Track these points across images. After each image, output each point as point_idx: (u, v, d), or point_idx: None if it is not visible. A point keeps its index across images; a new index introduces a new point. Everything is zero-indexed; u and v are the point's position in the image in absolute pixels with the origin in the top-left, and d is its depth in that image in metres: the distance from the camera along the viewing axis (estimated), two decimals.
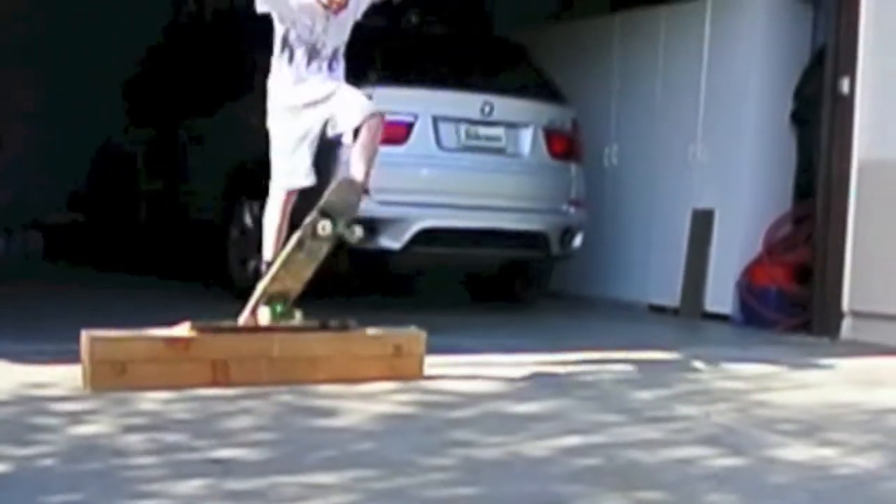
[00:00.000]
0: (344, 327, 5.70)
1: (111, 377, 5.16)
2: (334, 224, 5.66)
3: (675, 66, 9.73)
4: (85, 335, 5.21)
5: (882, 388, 6.35)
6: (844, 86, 8.31)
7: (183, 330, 5.38)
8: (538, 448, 4.55)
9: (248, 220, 8.88)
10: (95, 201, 12.46)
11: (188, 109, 10.13)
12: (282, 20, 5.73)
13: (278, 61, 5.80)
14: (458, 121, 8.25)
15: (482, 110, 8.36)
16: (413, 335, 5.77)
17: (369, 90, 7.93)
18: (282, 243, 5.81)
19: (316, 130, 5.87)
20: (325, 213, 5.66)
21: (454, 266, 9.23)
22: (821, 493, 4.16)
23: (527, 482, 4.09)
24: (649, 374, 6.38)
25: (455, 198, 8.19)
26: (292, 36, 5.74)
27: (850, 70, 8.26)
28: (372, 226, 8.12)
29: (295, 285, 5.75)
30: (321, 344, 5.59)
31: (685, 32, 9.65)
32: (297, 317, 5.71)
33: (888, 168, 8.04)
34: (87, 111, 12.23)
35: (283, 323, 5.67)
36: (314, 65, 5.79)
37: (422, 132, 8.16)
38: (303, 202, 5.88)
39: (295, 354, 5.49)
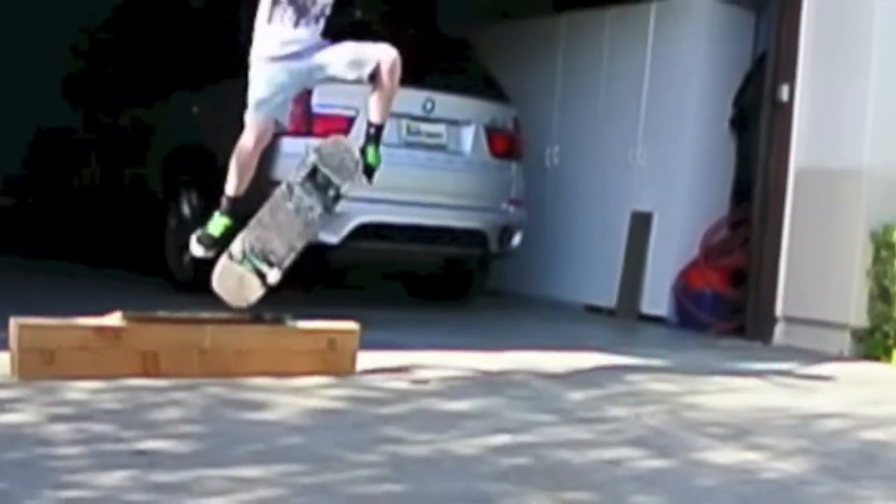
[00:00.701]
0: (277, 320, 5.67)
1: (39, 365, 5.09)
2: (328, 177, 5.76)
3: (619, 68, 9.77)
4: (13, 322, 5.15)
5: (811, 394, 6.41)
6: (784, 93, 8.39)
7: (114, 319, 5.33)
8: (467, 446, 4.55)
9: (186, 209, 8.82)
10: (32, 186, 12.30)
11: (129, 96, 10.03)
12: None
13: (266, 16, 5.73)
14: (399, 116, 8.21)
15: (424, 107, 8.35)
16: (347, 330, 5.75)
17: None
18: (246, 184, 5.79)
19: (299, 82, 5.88)
20: (318, 164, 5.74)
21: (392, 262, 9.21)
22: (746, 497, 4.20)
23: (454, 480, 4.09)
24: (582, 374, 6.40)
25: (394, 193, 8.15)
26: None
27: (790, 78, 8.34)
28: None
29: (280, 247, 5.74)
30: (253, 337, 5.55)
31: (629, 35, 9.70)
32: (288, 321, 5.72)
33: (824, 176, 8.12)
34: (24, 94, 12.06)
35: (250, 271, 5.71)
36: (302, 23, 5.73)
37: (363, 127, 8.09)
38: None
39: (226, 347, 5.45)
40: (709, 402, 5.88)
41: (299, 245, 5.81)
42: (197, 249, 5.88)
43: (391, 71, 5.73)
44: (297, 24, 5.69)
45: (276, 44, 5.71)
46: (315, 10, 5.75)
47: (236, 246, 5.76)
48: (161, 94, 9.49)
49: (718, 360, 7.30)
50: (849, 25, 8.10)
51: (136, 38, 10.47)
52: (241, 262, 5.72)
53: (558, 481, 4.19)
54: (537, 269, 9.99)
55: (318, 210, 5.81)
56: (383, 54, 5.73)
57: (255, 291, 5.72)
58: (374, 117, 5.89)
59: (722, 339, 8.52)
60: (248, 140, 5.78)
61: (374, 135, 5.91)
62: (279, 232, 5.75)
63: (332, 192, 5.82)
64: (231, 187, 5.81)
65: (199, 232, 5.87)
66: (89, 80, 10.99)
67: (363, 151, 5.88)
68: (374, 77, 5.74)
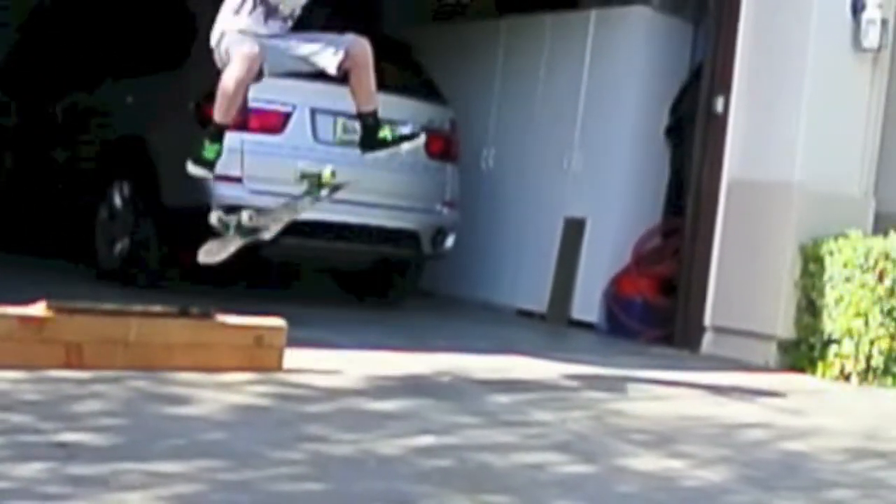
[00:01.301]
0: (204, 315, 5.63)
1: None
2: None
3: (557, 74, 9.81)
4: None
5: (735, 404, 6.46)
6: (719, 105, 8.46)
7: (38, 309, 5.26)
8: (390, 447, 4.54)
9: (117, 200, 8.74)
10: None
11: (64, 83, 9.92)
12: None
13: (234, 6, 5.72)
14: (335, 114, 8.18)
15: None
16: (274, 327, 5.72)
17: None
18: (233, 115, 5.81)
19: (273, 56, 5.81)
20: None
21: (325, 260, 9.18)
22: None
23: (375, 480, 4.07)
24: (510, 378, 6.41)
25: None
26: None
27: (725, 90, 8.41)
28: None
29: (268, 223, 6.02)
30: (180, 330, 5.51)
31: (569, 42, 9.73)
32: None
33: (756, 188, 8.20)
34: None
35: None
36: (271, 22, 5.75)
37: (299, 123, 8.10)
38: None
39: (152, 340, 5.40)
40: (634, 409, 5.91)
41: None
42: (195, 170, 5.87)
43: (364, 56, 5.78)
44: (265, 22, 5.72)
45: (243, 27, 5.73)
46: (285, 12, 5.77)
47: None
48: (96, 84, 9.39)
49: (646, 368, 7.34)
50: (784, 40, 8.19)
51: (72, 27, 10.35)
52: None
53: (479, 484, 4.19)
54: (470, 272, 10.01)
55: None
56: (354, 43, 5.79)
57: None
58: (365, 106, 5.95)
59: (651, 346, 8.58)
60: (233, 70, 5.66)
61: (374, 122, 5.97)
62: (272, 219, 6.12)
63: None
64: (219, 115, 5.77)
65: (193, 156, 5.86)
66: (24, 68, 10.84)
67: (372, 141, 5.99)
68: (345, 72, 5.80)
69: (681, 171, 9.13)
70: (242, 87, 5.71)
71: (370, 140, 5.98)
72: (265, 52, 5.64)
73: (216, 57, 5.81)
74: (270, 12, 5.72)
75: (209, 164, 5.83)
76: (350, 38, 5.81)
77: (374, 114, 5.96)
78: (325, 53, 5.77)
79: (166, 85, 8.67)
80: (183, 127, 8.32)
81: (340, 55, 5.73)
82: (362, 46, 5.81)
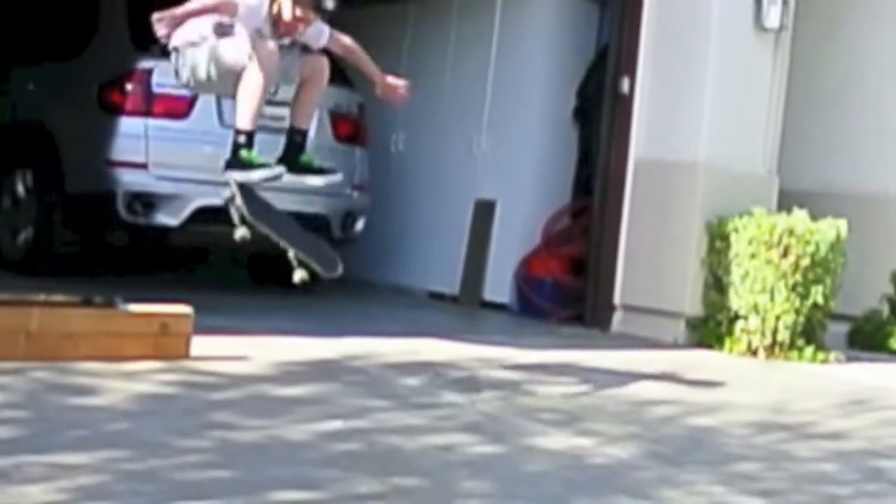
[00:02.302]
0: (108, 304, 5.56)
1: None
2: None
3: (465, 56, 9.81)
4: None
5: (644, 381, 6.51)
6: (624, 86, 8.51)
7: None
8: (299, 432, 4.52)
9: (20, 189, 8.59)
10: None
11: None
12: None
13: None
14: None
15: None
16: (180, 314, 5.65)
17: (152, 63, 7.82)
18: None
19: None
20: None
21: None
22: (574, 482, 4.25)
23: (283, 466, 4.05)
24: (420, 361, 6.40)
25: None
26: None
27: (631, 70, 8.46)
28: (150, 201, 7.98)
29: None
30: (83, 320, 5.43)
31: (475, 24, 9.73)
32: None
33: (662, 168, 8.27)
34: None
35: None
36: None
37: (204, 108, 7.99)
38: None
39: (55, 330, 5.31)
40: (544, 389, 5.95)
41: None
42: (239, 175, 5.67)
43: (322, 75, 5.73)
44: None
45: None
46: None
47: None
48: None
49: (556, 348, 7.38)
50: (689, 20, 8.26)
51: None
52: None
53: (388, 467, 4.19)
54: (381, 256, 9.98)
55: None
56: (318, 59, 5.71)
57: None
58: (303, 124, 5.84)
59: (561, 326, 8.62)
60: (257, 71, 5.44)
61: (302, 143, 5.84)
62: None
63: None
64: (246, 122, 5.57)
65: (232, 163, 5.67)
66: None
67: (292, 160, 5.78)
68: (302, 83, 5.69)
69: (589, 152, 9.18)
70: (268, 87, 5.54)
71: (293, 160, 5.78)
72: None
73: (178, 62, 5.64)
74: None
75: (253, 165, 5.61)
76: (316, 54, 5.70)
77: (305, 134, 5.85)
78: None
79: (69, 71, 8.54)
80: (86, 113, 8.23)
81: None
82: (323, 65, 5.71)
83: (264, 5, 5.51)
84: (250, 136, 5.56)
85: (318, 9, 5.61)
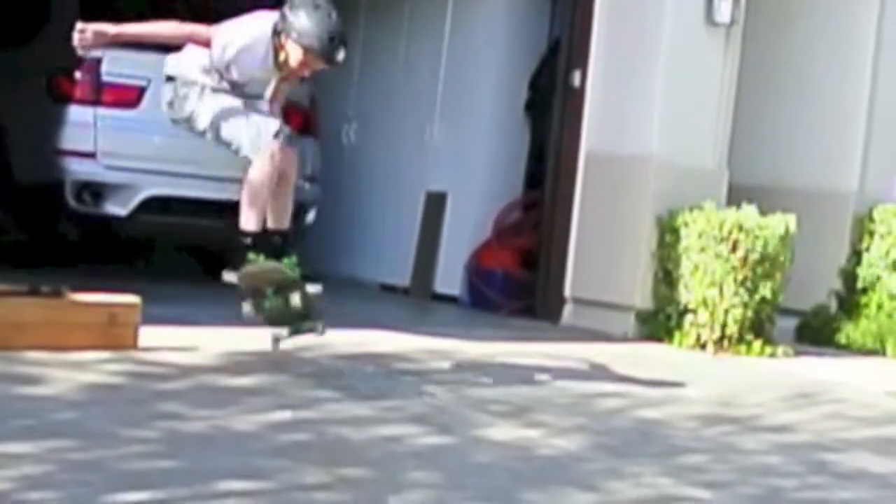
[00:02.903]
0: (55, 293, 5.51)
1: None
2: None
3: (417, 47, 9.80)
4: None
5: (593, 373, 6.54)
6: (576, 79, 8.53)
7: None
8: (246, 422, 4.50)
9: None
10: None
11: None
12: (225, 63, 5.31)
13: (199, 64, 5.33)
14: None
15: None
16: (129, 304, 5.62)
17: (100, 52, 7.75)
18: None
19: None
20: None
21: (183, 237, 9.03)
22: (520, 473, 4.27)
23: (229, 456, 4.04)
24: (371, 352, 6.40)
25: (186, 166, 8.01)
26: (227, 75, 5.34)
27: (583, 63, 8.48)
28: (98, 190, 7.93)
29: None
30: (30, 310, 5.38)
31: (429, 15, 9.72)
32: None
33: (613, 161, 8.29)
34: None
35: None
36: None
37: (153, 98, 7.90)
38: None
39: (2, 319, 5.27)
40: (492, 381, 5.95)
41: None
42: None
43: (293, 168, 5.51)
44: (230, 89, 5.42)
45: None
46: (247, 90, 5.47)
47: None
48: None
49: (507, 340, 7.40)
50: (639, 14, 8.28)
51: None
52: None
53: (335, 458, 4.19)
54: (332, 247, 9.95)
55: None
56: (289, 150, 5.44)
57: None
58: (280, 224, 5.56)
59: (512, 319, 8.63)
60: (262, 169, 5.27)
61: (282, 244, 5.55)
62: None
63: None
64: (252, 222, 5.33)
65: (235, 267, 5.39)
66: None
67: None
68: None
69: (541, 145, 9.20)
70: (271, 186, 5.33)
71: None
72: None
73: (171, 93, 5.44)
74: (235, 87, 5.41)
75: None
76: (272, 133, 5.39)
77: (286, 235, 5.54)
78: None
79: (18, 59, 8.45)
80: (35, 101, 8.16)
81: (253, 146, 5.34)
82: (294, 159, 5.48)
83: (267, 49, 5.31)
84: (256, 238, 5.32)
85: (330, 61, 5.41)
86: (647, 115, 8.17)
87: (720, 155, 8.51)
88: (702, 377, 6.91)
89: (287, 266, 5.39)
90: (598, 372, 6.63)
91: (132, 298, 5.65)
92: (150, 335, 5.69)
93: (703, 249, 7.74)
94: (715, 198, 8.09)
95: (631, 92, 8.26)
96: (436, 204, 9.47)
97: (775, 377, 7.05)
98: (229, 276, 5.35)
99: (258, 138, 5.26)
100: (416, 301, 9.39)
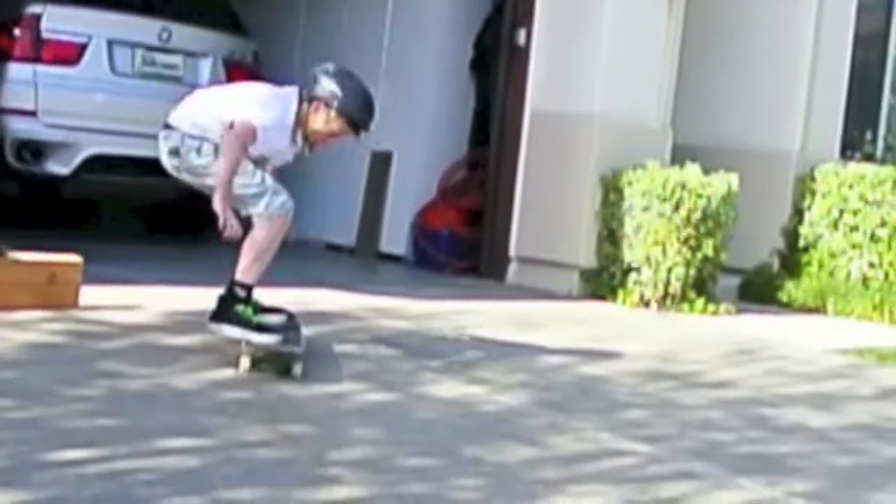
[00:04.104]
0: None
1: None
2: None
3: (362, 6, 9.73)
4: None
5: (535, 330, 6.57)
6: (521, 37, 8.52)
7: None
8: (188, 381, 4.49)
9: None
10: None
11: None
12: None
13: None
14: (133, 46, 7.98)
15: (160, 36, 8.11)
16: (69, 263, 5.57)
17: (41, 7, 7.66)
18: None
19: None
20: None
21: (127, 196, 8.96)
22: (463, 429, 4.29)
23: (170, 413, 4.03)
24: (313, 311, 6.37)
25: (129, 125, 7.91)
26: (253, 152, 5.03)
27: (527, 22, 8.47)
28: (39, 149, 7.83)
29: None
30: None
31: None
32: None
33: (557, 120, 8.30)
34: None
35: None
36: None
37: (95, 55, 7.85)
38: None
39: None
40: (437, 339, 5.96)
41: None
42: (229, 331, 4.92)
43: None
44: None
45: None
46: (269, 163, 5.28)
47: None
48: None
49: (451, 298, 7.41)
50: None
51: None
52: None
53: (278, 415, 4.19)
54: None
55: None
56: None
57: None
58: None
59: (457, 278, 8.65)
60: (271, 232, 5.08)
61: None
62: None
63: None
64: (250, 277, 5.03)
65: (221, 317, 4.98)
66: None
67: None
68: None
69: (486, 104, 9.19)
70: (277, 244, 5.15)
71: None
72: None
73: (177, 142, 5.06)
74: (259, 161, 5.12)
75: (250, 324, 4.89)
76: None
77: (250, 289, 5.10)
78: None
79: None
80: None
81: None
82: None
83: (295, 124, 5.14)
84: (250, 290, 5.04)
85: (365, 131, 5.29)
86: (592, 73, 8.18)
87: (664, 114, 8.55)
88: (644, 334, 6.97)
89: (246, 314, 4.98)
90: (542, 329, 6.66)
91: (73, 258, 5.60)
92: (91, 295, 5.65)
93: (646, 208, 7.79)
94: (659, 157, 8.14)
95: (575, 51, 8.25)
96: (381, 163, 9.44)
97: (717, 334, 7.12)
98: (215, 327, 4.98)
99: (272, 205, 5.05)
100: (361, 260, 9.38)
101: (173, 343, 5.14)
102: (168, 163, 5.15)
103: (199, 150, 5.00)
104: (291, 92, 5.19)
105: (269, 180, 5.10)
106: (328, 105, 5.11)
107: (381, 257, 9.42)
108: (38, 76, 7.71)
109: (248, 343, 4.81)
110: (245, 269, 5.02)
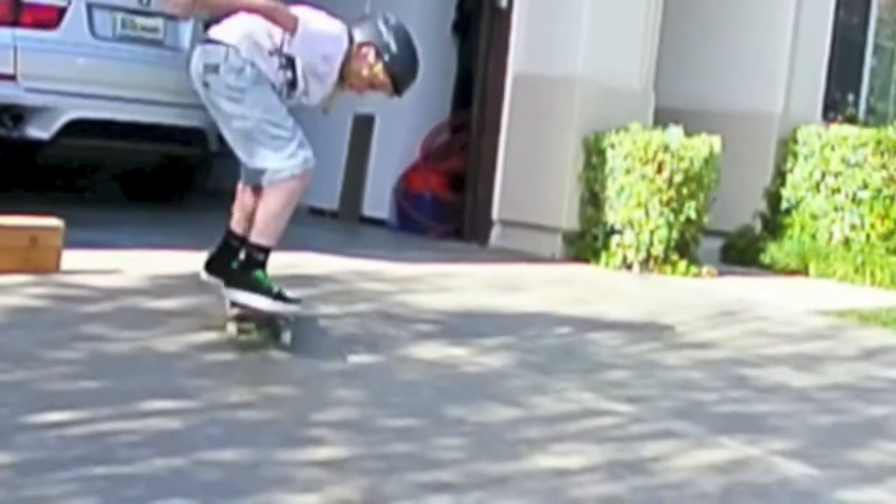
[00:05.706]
0: None
1: None
2: None
3: None
4: None
5: (518, 293, 6.59)
6: (503, 0, 8.49)
7: None
8: (170, 343, 4.48)
9: None
10: None
11: None
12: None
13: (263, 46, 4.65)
14: (113, 9, 7.92)
15: (140, 0, 8.07)
16: (51, 227, 5.54)
17: None
18: None
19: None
20: None
21: (108, 161, 8.92)
22: (446, 390, 4.30)
23: (153, 376, 4.03)
24: (297, 274, 6.37)
25: (109, 89, 7.87)
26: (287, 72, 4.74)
27: None
28: (19, 113, 7.77)
29: None
30: None
31: None
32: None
33: (540, 83, 8.29)
34: None
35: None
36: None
37: (75, 18, 7.78)
38: None
39: None
40: (420, 301, 5.97)
41: None
42: (246, 298, 4.62)
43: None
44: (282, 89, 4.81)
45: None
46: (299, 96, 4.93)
47: None
48: None
49: (434, 262, 7.41)
50: None
51: None
52: None
53: (260, 377, 4.20)
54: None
55: None
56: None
57: None
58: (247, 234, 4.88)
59: (440, 241, 8.66)
60: (287, 195, 4.82)
61: (237, 249, 4.88)
62: None
63: None
64: (269, 239, 4.79)
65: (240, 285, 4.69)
66: None
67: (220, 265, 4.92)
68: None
69: (468, 67, 9.17)
70: (294, 204, 4.87)
71: (222, 265, 4.90)
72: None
73: (219, 58, 4.66)
74: (290, 92, 4.84)
75: (270, 293, 4.64)
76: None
77: (244, 242, 4.86)
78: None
79: None
80: None
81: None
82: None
83: (340, 56, 4.79)
84: (267, 253, 4.80)
85: (398, 95, 4.99)
86: (574, 36, 8.17)
87: (646, 77, 8.54)
88: (627, 296, 6.99)
89: (267, 282, 4.73)
90: (525, 292, 6.68)
91: (54, 222, 5.58)
92: (72, 259, 5.63)
93: (628, 171, 7.80)
94: (641, 120, 8.15)
95: (558, 13, 8.24)
96: (364, 127, 9.42)
97: (699, 296, 7.14)
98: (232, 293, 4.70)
99: (296, 156, 4.73)
100: (344, 224, 9.38)
101: (156, 306, 5.13)
102: (199, 80, 4.75)
103: (240, 72, 4.61)
104: (343, 26, 4.84)
105: (300, 131, 4.78)
106: (378, 55, 4.78)
107: (363, 221, 9.42)
108: (18, 40, 7.64)
109: (278, 314, 4.55)
110: (263, 229, 4.74)
